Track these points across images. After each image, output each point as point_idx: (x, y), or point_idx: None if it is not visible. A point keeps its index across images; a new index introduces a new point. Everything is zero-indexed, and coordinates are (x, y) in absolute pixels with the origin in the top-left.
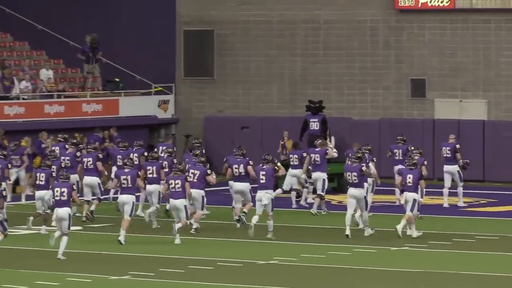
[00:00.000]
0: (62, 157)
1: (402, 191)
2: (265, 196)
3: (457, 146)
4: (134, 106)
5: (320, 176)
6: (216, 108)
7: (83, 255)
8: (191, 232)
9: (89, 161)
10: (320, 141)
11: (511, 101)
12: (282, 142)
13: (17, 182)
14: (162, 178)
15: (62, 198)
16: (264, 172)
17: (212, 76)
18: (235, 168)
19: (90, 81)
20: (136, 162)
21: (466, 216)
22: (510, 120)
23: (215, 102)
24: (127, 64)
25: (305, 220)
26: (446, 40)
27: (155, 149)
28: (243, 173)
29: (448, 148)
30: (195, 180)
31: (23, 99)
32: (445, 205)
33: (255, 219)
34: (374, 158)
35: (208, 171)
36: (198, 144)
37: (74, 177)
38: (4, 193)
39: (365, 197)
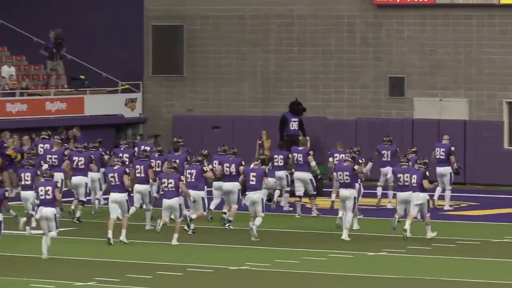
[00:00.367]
0: (49, 156)
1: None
2: (255, 197)
3: (452, 148)
4: (100, 104)
5: (305, 176)
6: (185, 107)
7: (47, 259)
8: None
9: (80, 160)
10: (301, 138)
11: (493, 100)
12: (260, 142)
13: None
14: (151, 178)
15: (47, 197)
16: (254, 174)
17: (181, 73)
18: (226, 167)
19: (54, 79)
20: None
21: (447, 220)
22: (492, 120)
23: (185, 100)
24: (92, 61)
25: (279, 224)
26: (426, 36)
27: (144, 147)
28: (234, 173)
29: (442, 149)
30: (193, 180)
31: None
32: (446, 207)
33: (251, 223)
34: (362, 159)
35: (204, 168)
36: (182, 144)
37: (59, 175)
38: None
39: (355, 198)
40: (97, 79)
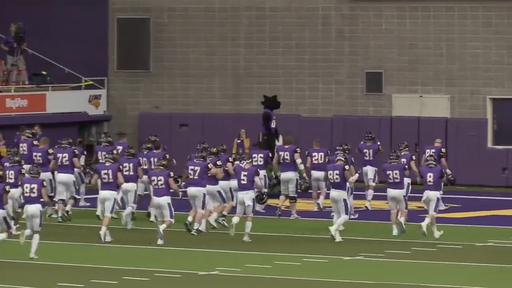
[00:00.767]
0: (34, 153)
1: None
2: (246, 197)
3: (443, 150)
4: (62, 101)
5: (291, 176)
6: (152, 104)
7: (8, 264)
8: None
9: (64, 157)
10: (287, 136)
11: (476, 97)
12: (239, 141)
13: None
14: (140, 176)
15: (32, 194)
16: (245, 173)
17: (148, 68)
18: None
19: (15, 74)
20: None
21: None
22: (475, 117)
23: (151, 97)
24: (55, 56)
25: (253, 227)
26: (405, 29)
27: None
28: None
29: (432, 150)
30: (196, 177)
31: None
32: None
33: (236, 220)
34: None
35: (209, 165)
36: (158, 140)
37: (46, 175)
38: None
39: (344, 200)
40: (59, 75)
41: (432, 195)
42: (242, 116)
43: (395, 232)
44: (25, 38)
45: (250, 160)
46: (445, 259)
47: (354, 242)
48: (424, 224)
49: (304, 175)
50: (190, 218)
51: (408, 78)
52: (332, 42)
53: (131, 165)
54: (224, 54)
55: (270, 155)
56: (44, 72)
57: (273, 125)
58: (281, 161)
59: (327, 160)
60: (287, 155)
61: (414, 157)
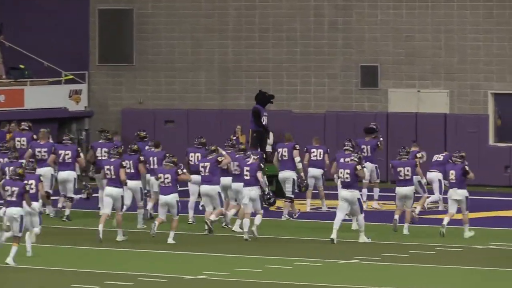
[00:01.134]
0: (38, 149)
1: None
2: (252, 193)
3: (418, 155)
4: (41, 97)
5: (289, 175)
6: (135, 99)
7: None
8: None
9: (67, 154)
10: (286, 133)
11: (476, 92)
12: (235, 138)
13: None
14: (142, 172)
15: (30, 191)
16: (248, 168)
17: (131, 62)
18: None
19: None
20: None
21: (425, 224)
22: (475, 113)
23: (135, 92)
24: (33, 49)
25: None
26: (402, 21)
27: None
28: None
29: (442, 154)
30: (207, 174)
31: None
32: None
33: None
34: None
35: (219, 159)
36: (146, 137)
37: (49, 170)
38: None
39: (358, 199)
40: (38, 69)
41: (461, 193)
42: (229, 112)
43: (406, 231)
44: (2, 30)
45: (257, 156)
46: (444, 262)
47: (350, 245)
48: (444, 223)
49: (302, 174)
50: (213, 217)
51: (405, 72)
52: (324, 34)
53: (131, 162)
54: (211, 47)
55: (264, 156)
56: (22, 66)
57: (264, 121)
58: (279, 158)
59: (329, 157)
60: (285, 151)
61: (422, 154)
